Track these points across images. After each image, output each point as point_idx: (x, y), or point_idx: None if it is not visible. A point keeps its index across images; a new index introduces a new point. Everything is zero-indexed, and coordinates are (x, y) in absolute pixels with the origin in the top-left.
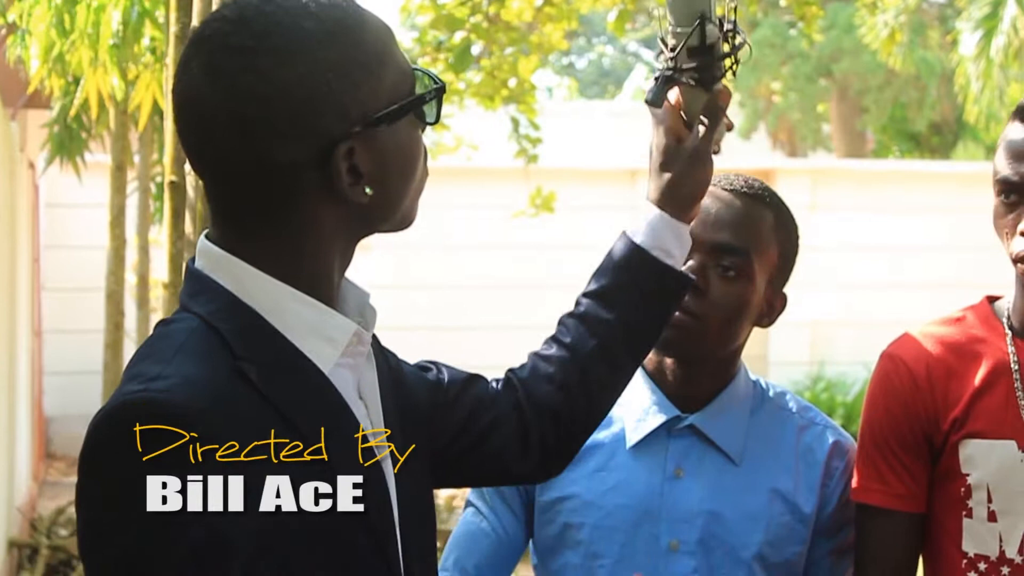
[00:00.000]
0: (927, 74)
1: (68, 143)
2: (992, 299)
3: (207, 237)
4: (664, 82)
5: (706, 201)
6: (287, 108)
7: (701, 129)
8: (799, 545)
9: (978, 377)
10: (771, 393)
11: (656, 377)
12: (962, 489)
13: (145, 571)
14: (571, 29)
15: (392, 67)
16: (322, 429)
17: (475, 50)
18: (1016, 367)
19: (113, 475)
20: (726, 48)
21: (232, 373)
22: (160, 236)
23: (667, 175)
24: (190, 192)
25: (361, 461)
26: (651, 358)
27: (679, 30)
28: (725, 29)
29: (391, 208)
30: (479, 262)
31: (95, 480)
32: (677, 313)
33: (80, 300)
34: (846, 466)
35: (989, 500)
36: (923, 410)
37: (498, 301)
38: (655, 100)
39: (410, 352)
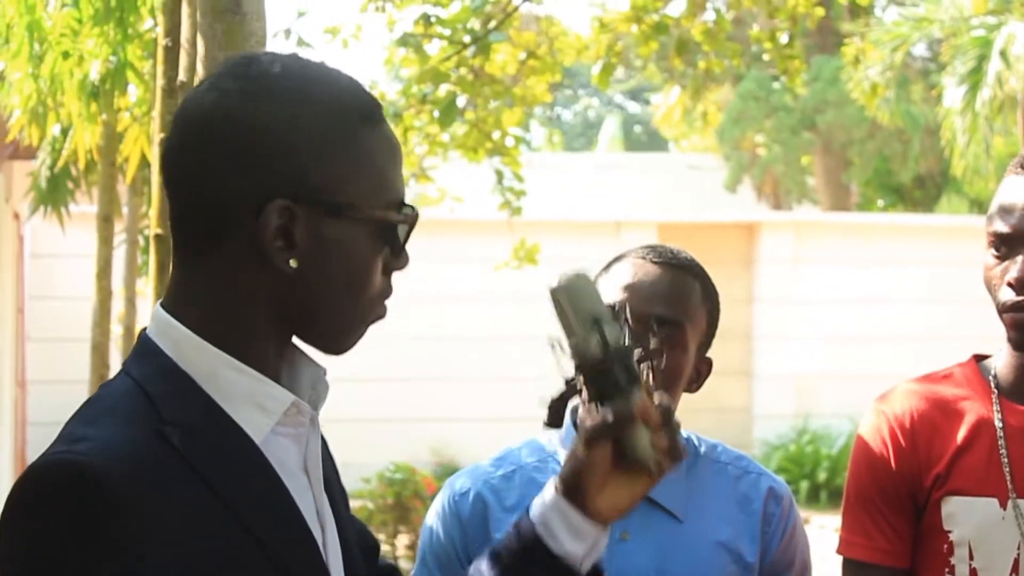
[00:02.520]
0: (911, 127)
1: (53, 193)
2: (980, 357)
3: (160, 303)
4: (560, 401)
5: (638, 273)
6: (242, 142)
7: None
8: None
9: (961, 434)
10: (703, 448)
11: None
12: (944, 546)
13: None
14: (555, 82)
15: (378, 176)
16: (244, 495)
17: (460, 102)
18: (1000, 425)
19: (31, 534)
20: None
21: (154, 436)
22: (147, 288)
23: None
24: None
25: (285, 531)
26: None
27: (573, 339)
28: (625, 325)
29: (319, 307)
30: (462, 313)
31: (12, 539)
32: None
33: (65, 351)
34: (782, 510)
35: (971, 557)
36: (907, 467)
37: (481, 353)
38: (552, 422)
39: (392, 405)
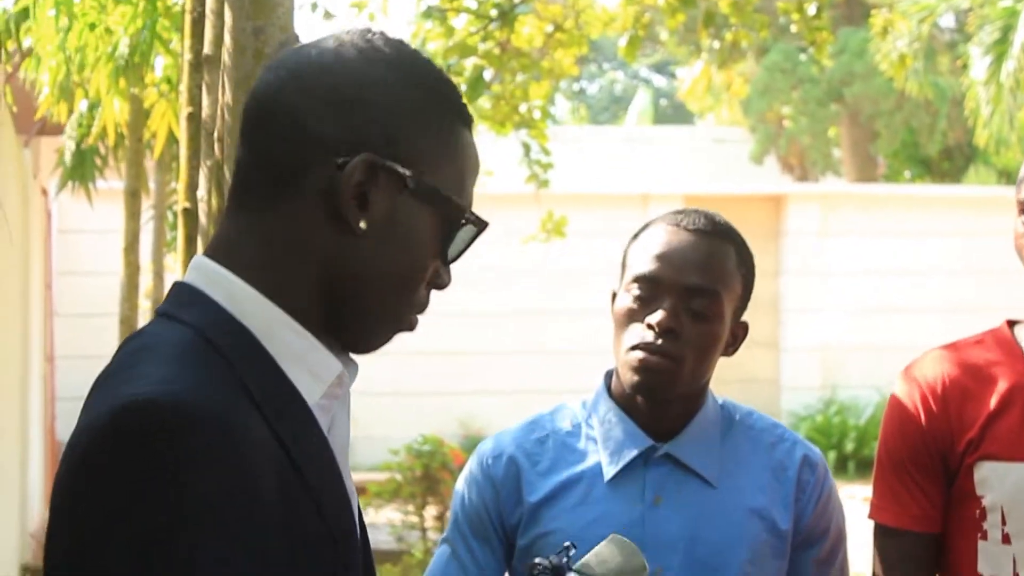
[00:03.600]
0: (939, 99)
1: (80, 169)
2: (1012, 323)
3: (204, 254)
4: None
5: (671, 242)
6: (348, 93)
7: None
8: (780, 560)
9: (994, 399)
10: (738, 415)
11: (628, 409)
12: (977, 511)
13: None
14: (582, 55)
15: (459, 175)
16: (308, 459)
17: (486, 76)
18: None
19: (110, 472)
20: None
21: (237, 387)
22: (175, 263)
23: None
24: (203, 219)
25: (337, 500)
26: (622, 392)
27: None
28: None
29: (369, 287)
30: (490, 287)
31: (90, 477)
32: (652, 356)
33: (93, 326)
34: (816, 478)
35: (1003, 522)
36: (939, 432)
37: (509, 326)
38: None
39: (421, 378)
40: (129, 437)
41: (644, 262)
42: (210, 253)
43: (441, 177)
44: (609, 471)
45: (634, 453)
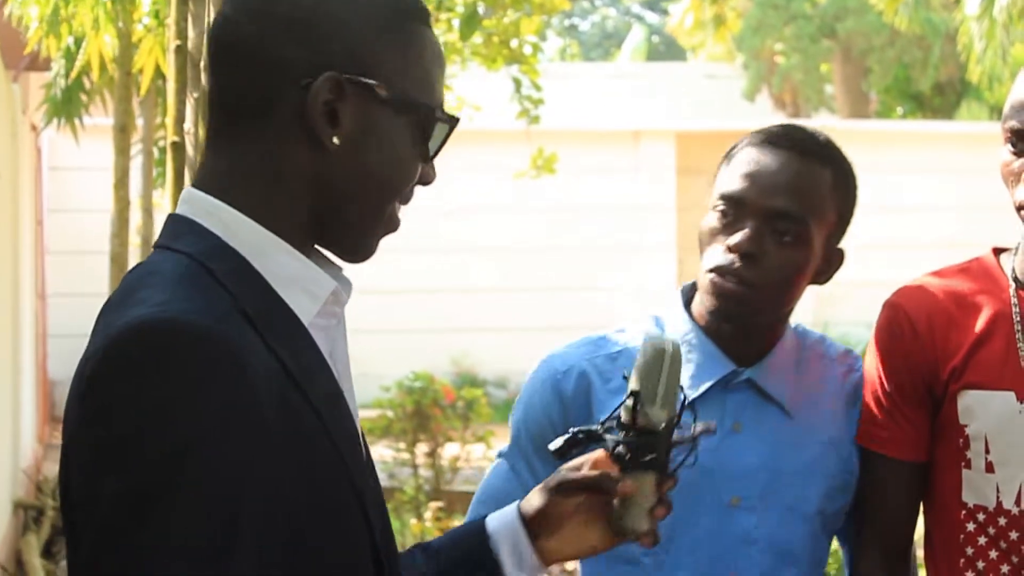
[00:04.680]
0: (931, 34)
1: (67, 105)
2: (999, 251)
3: (193, 187)
4: (574, 438)
5: (761, 161)
6: (304, 14)
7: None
8: (849, 494)
9: (978, 326)
10: (809, 340)
11: (710, 332)
12: (960, 440)
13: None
14: None
15: (424, 74)
16: (306, 376)
17: (479, 10)
18: (1018, 318)
19: (131, 391)
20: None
21: (234, 309)
22: (163, 199)
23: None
24: (191, 152)
25: (337, 413)
26: (704, 315)
27: (645, 400)
28: (673, 420)
29: (352, 198)
30: (481, 224)
31: (110, 398)
32: (729, 281)
33: (84, 263)
34: None
35: (987, 451)
36: (923, 359)
37: (500, 263)
38: (557, 451)
39: (413, 315)
40: (131, 359)
41: (730, 180)
42: (198, 185)
43: (409, 82)
44: (688, 394)
45: (715, 378)
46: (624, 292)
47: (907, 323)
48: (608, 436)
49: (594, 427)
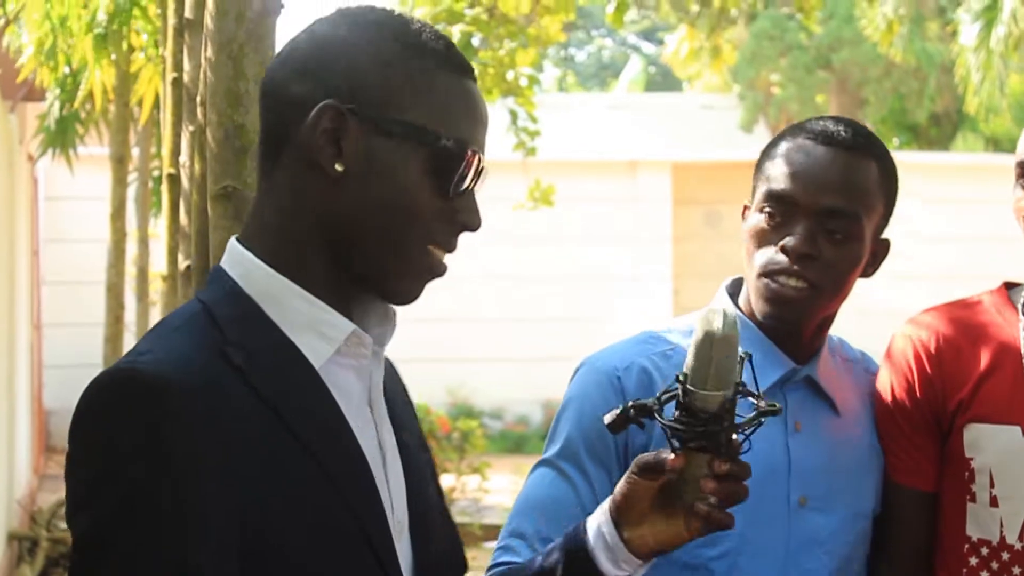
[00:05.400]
0: (927, 65)
1: (62, 135)
2: (1010, 285)
3: (236, 237)
4: (628, 413)
5: (808, 158)
6: (313, 55)
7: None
8: (879, 492)
9: (985, 360)
10: (834, 341)
11: (767, 330)
12: (966, 473)
13: (117, 534)
14: (569, 21)
15: (442, 113)
16: (301, 413)
17: (474, 42)
18: None
19: (96, 441)
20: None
21: (217, 355)
22: (158, 229)
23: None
24: (186, 185)
25: (337, 449)
26: (758, 315)
27: (701, 384)
28: (727, 403)
29: (365, 230)
30: (478, 254)
31: (79, 446)
32: (791, 281)
33: (80, 293)
34: None
35: (992, 485)
36: (931, 390)
37: (497, 293)
38: (610, 425)
39: (409, 345)
40: (91, 408)
41: (778, 179)
42: (240, 235)
43: (416, 115)
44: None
45: (776, 376)
46: (620, 322)
47: (916, 353)
48: (658, 417)
49: (649, 401)
